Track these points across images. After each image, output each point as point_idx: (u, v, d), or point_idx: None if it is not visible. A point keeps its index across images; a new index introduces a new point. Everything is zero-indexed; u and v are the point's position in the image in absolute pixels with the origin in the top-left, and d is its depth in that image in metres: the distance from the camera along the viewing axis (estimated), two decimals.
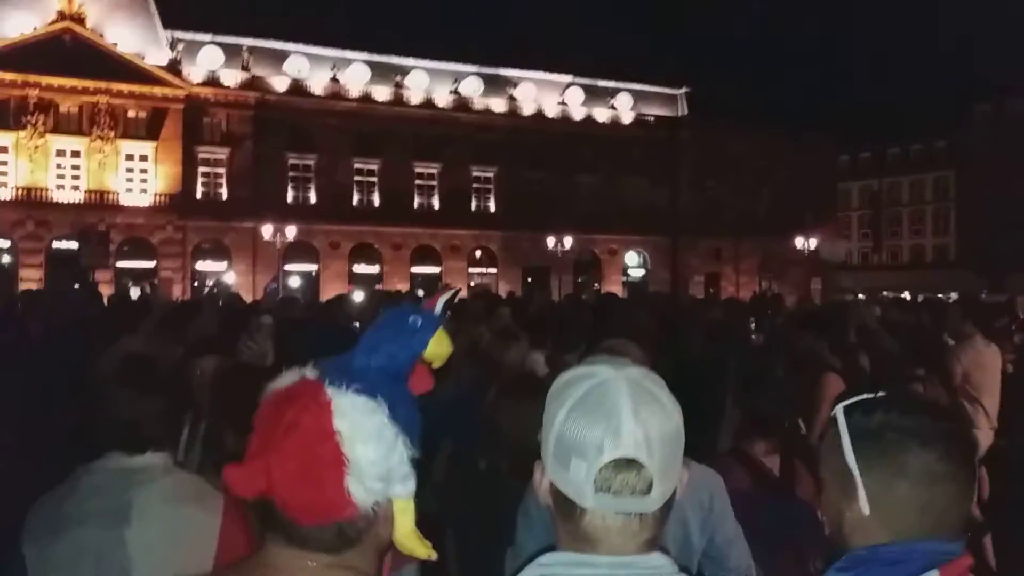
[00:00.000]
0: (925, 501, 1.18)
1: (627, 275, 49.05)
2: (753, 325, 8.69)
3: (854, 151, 67.60)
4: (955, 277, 48.82)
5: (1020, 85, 55.26)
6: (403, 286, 38.92)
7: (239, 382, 2.63)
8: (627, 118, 49.27)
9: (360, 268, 42.57)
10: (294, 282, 39.43)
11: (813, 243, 42.12)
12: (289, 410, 1.10)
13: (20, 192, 36.41)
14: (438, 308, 1.29)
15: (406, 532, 1.19)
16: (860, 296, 33.88)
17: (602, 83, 49.25)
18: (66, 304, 8.40)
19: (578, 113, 48.19)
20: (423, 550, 1.23)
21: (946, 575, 1.13)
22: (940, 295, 43.24)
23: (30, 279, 33.12)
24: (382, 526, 1.16)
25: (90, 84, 36.71)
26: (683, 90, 51.31)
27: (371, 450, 1.10)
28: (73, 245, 30.79)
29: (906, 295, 45.36)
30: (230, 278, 38.74)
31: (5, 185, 36.42)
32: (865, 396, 1.26)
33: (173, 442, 2.12)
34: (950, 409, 1.22)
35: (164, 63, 38.64)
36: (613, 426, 1.00)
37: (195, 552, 1.86)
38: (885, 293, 45.67)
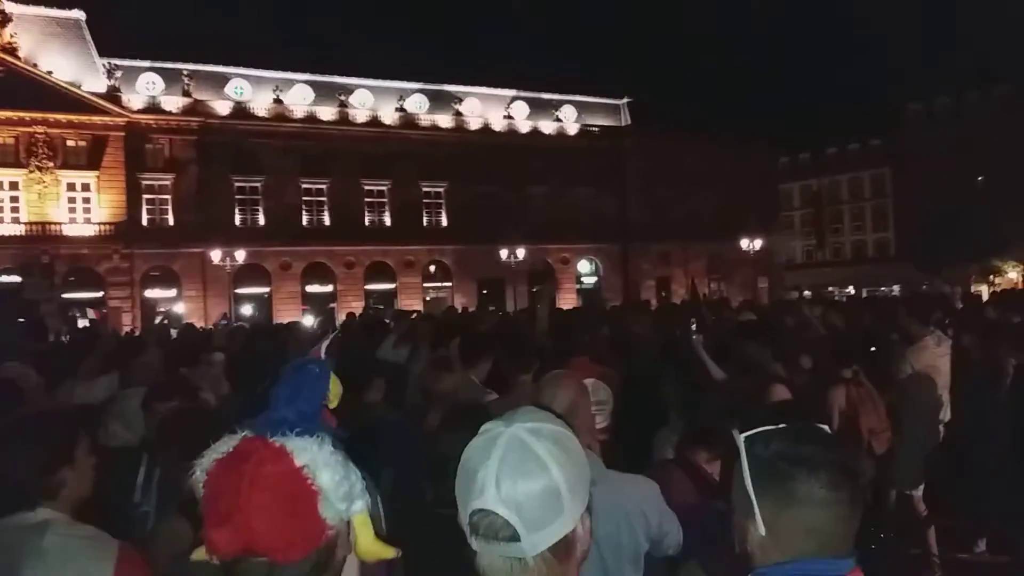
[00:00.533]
0: (812, 524, 1.28)
1: (580, 283, 49.54)
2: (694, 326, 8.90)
3: (794, 152, 69.29)
4: (896, 271, 50.35)
5: (947, 84, 57.37)
6: (358, 304, 38.74)
7: (192, 423, 2.63)
8: (572, 129, 49.87)
9: (313, 288, 42.25)
10: (246, 308, 38.94)
11: (758, 244, 43.07)
12: (245, 466, 1.19)
13: None
14: (323, 353, 1.53)
15: (369, 542, 1.35)
16: (806, 293, 34.78)
17: (546, 96, 49.80)
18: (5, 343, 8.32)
19: (524, 126, 48.62)
20: (389, 552, 1.40)
21: None
22: (883, 288, 44.63)
23: None
24: (341, 547, 1.29)
25: (25, 115, 35.86)
26: (625, 100, 52.15)
27: (333, 475, 1.24)
28: (16, 279, 30.05)
29: (850, 290, 46.71)
30: (179, 307, 38.13)
31: None
32: (766, 428, 1.37)
33: (68, 491, 2.10)
34: (838, 438, 1.40)
35: (102, 91, 37.97)
36: (479, 479, 1.10)
37: None
38: (830, 289, 46.88)
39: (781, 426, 1.37)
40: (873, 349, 6.78)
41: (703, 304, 11.70)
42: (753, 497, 1.32)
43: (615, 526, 2.45)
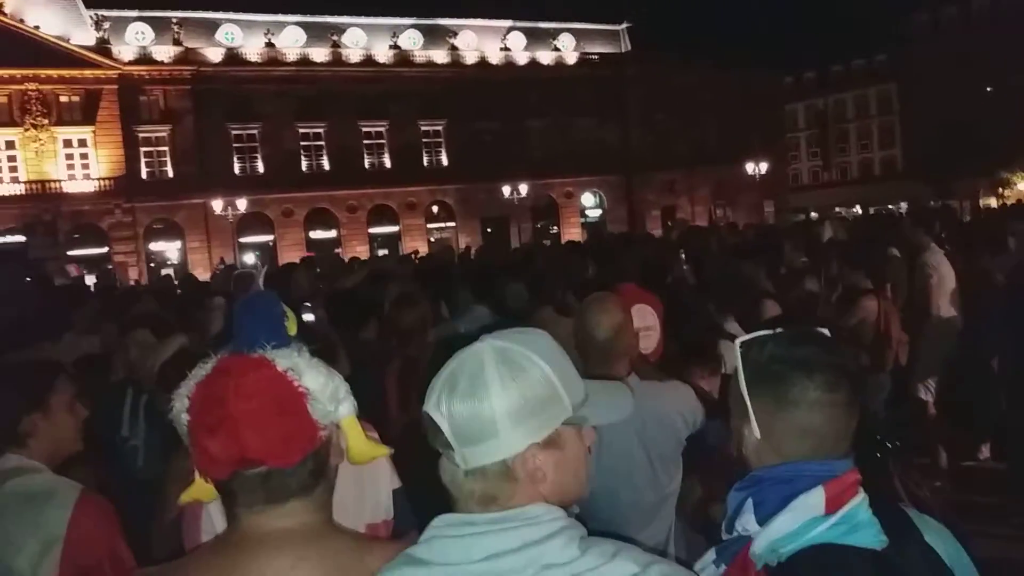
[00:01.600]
0: (807, 426, 1.29)
1: (585, 216, 49.27)
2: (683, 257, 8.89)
3: (798, 72, 67.92)
4: (904, 188, 49.81)
5: None
6: (363, 249, 38.76)
7: (183, 360, 2.64)
8: (571, 59, 48.90)
9: (317, 234, 42.23)
10: (249, 257, 39.05)
11: (764, 167, 42.59)
12: (227, 379, 1.20)
13: None
14: (261, 285, 1.57)
15: (360, 443, 1.37)
16: (813, 215, 34.52)
17: (543, 25, 48.68)
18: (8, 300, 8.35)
19: (522, 58, 47.68)
20: (383, 450, 1.45)
21: (830, 490, 1.24)
22: (890, 206, 44.27)
23: None
24: (334, 454, 1.31)
25: (16, 72, 35.43)
26: (624, 25, 50.93)
27: (317, 376, 1.28)
28: (20, 238, 30.11)
29: (857, 209, 46.34)
30: (174, 255, 38.14)
31: None
32: (763, 333, 1.38)
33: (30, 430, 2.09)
34: (837, 341, 1.39)
35: (92, 43, 37.39)
36: (432, 385, 1.15)
37: (41, 545, 1.88)
38: (837, 209, 46.49)
39: (779, 331, 1.37)
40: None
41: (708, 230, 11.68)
42: (748, 400, 1.33)
43: (659, 431, 2.61)
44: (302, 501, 1.24)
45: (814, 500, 1.24)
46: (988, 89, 52.42)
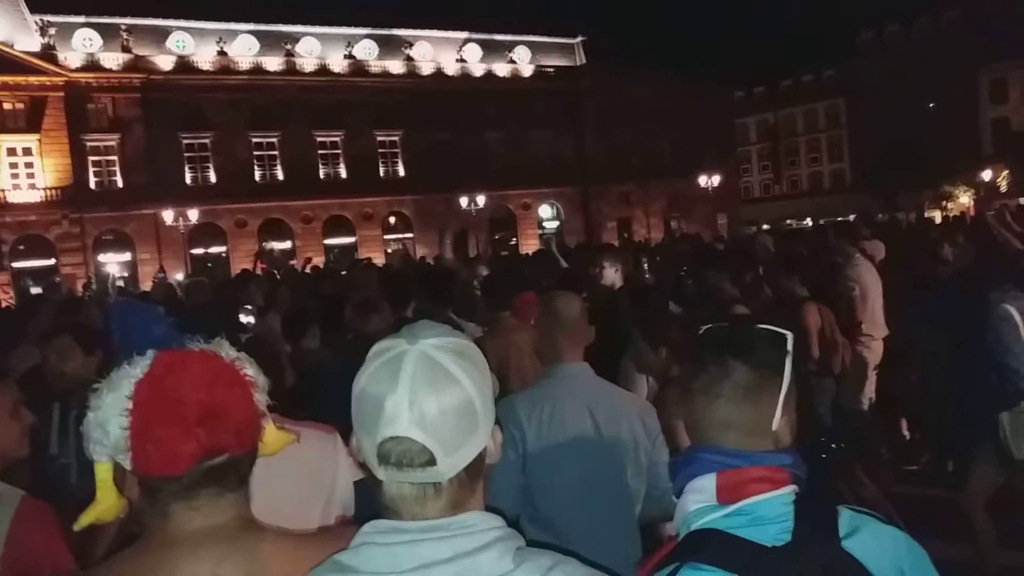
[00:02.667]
0: (702, 414, 1.32)
1: (543, 228, 49.47)
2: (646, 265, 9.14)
3: (749, 87, 69.31)
4: (852, 200, 51.03)
5: (898, 10, 57.47)
6: (319, 260, 38.33)
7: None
8: (527, 71, 49.19)
9: (271, 245, 41.68)
10: (175, 273, 38.28)
11: (716, 180, 43.27)
12: (180, 375, 1.19)
13: None
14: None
15: (273, 432, 1.35)
16: (765, 227, 35.20)
17: (499, 37, 48.93)
18: None
19: (478, 69, 47.80)
20: (290, 437, 1.42)
21: (722, 479, 1.25)
22: (840, 218, 45.29)
23: None
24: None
25: None
26: (579, 39, 51.44)
27: (253, 368, 1.29)
28: None
29: (808, 222, 47.34)
30: (123, 267, 37.31)
31: None
32: (716, 324, 1.40)
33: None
34: (765, 334, 1.35)
35: (37, 49, 36.47)
36: (389, 403, 1.02)
37: None
38: (788, 221, 47.47)
39: (723, 324, 1.40)
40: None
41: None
42: (682, 387, 1.38)
43: (613, 419, 2.59)
44: (236, 494, 1.24)
45: (704, 485, 1.27)
46: (931, 105, 54.08)
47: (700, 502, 1.26)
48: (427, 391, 1.02)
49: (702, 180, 42.62)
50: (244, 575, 1.19)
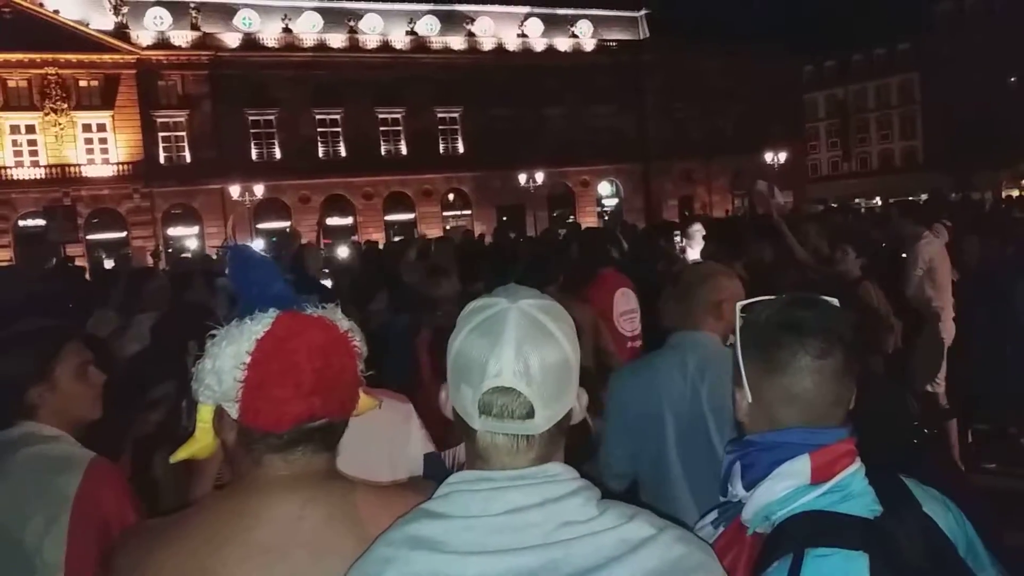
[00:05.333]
0: (795, 392, 1.27)
1: (602, 205, 49.07)
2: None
3: (818, 60, 67.24)
4: (924, 179, 49.28)
5: None
6: (379, 236, 38.79)
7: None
8: (589, 45, 48.60)
9: (333, 220, 42.24)
10: (258, 242, 39.15)
11: (783, 156, 42.21)
12: (299, 342, 1.25)
13: None
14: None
15: (362, 397, 1.40)
16: (833, 205, 34.20)
17: (561, 11, 48.36)
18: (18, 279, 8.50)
19: (539, 44, 47.42)
20: (374, 403, 1.48)
21: (817, 459, 1.23)
22: (911, 197, 43.84)
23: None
24: None
25: (36, 56, 35.63)
26: (643, 12, 50.51)
27: (360, 338, 1.36)
28: (40, 222, 30.36)
29: (877, 200, 45.90)
30: (192, 240, 38.41)
31: None
32: (765, 298, 1.36)
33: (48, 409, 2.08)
34: (836, 308, 1.36)
35: (110, 28, 37.52)
36: (494, 356, 1.05)
37: (47, 515, 1.88)
38: (857, 200, 46.09)
39: (782, 296, 1.36)
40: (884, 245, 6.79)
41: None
42: (741, 364, 1.32)
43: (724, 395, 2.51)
44: (329, 453, 1.31)
45: (799, 468, 1.23)
46: (1012, 79, 51.66)
47: (791, 486, 1.23)
48: (531, 346, 1.06)
49: (768, 157, 41.60)
50: (328, 516, 1.23)
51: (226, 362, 1.25)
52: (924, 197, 39.89)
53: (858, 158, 70.77)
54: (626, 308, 3.19)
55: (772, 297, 1.36)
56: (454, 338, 1.12)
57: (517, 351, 1.05)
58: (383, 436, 2.07)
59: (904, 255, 6.54)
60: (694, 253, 6.71)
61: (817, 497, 1.21)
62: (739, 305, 1.37)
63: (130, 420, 2.87)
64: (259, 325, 1.26)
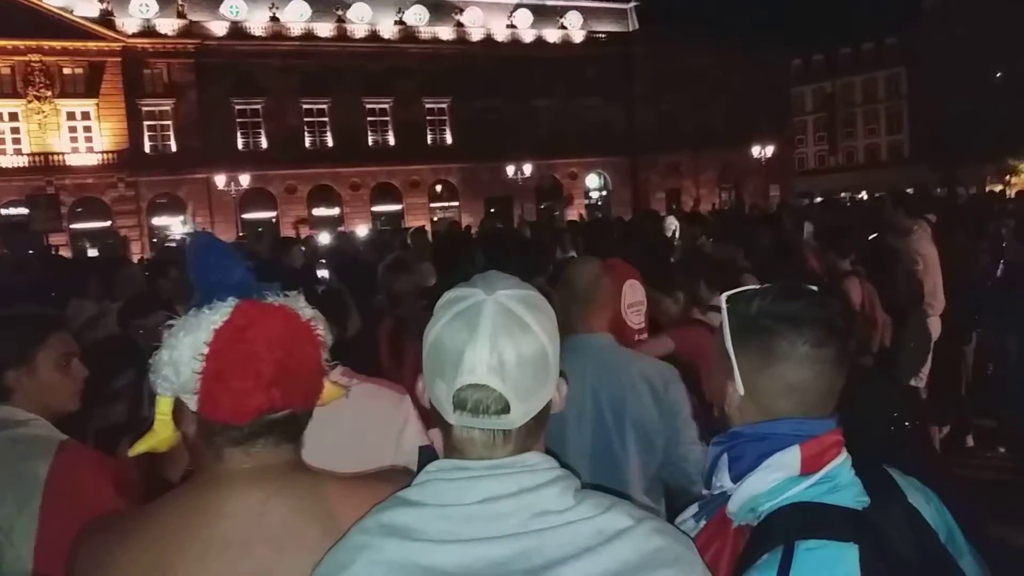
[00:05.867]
0: (791, 382, 1.25)
1: (589, 197, 49.08)
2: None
3: (807, 54, 67.39)
4: (910, 173, 49.54)
5: None
6: (365, 226, 38.64)
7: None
8: (578, 37, 48.50)
9: (320, 211, 42.11)
10: (226, 236, 39.01)
11: (770, 150, 42.33)
12: (257, 332, 1.22)
13: None
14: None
15: (326, 386, 1.38)
16: (818, 199, 34.34)
17: (550, 2, 48.20)
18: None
19: (528, 35, 47.28)
20: (339, 391, 1.47)
21: (807, 450, 1.22)
22: (909, 193, 44.02)
23: None
24: None
25: (19, 43, 35.22)
26: (632, 4, 50.47)
27: (324, 327, 1.33)
28: (23, 211, 30.07)
29: (863, 195, 46.13)
30: (177, 230, 38.18)
31: None
32: (749, 288, 1.35)
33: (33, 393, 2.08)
34: (825, 297, 1.37)
35: (95, 15, 37.13)
36: (469, 351, 1.03)
37: (18, 500, 1.87)
38: (843, 194, 46.26)
39: (765, 285, 1.34)
40: (873, 236, 6.76)
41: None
42: (732, 355, 1.29)
43: (625, 408, 2.50)
44: (291, 445, 1.28)
45: (789, 459, 1.22)
46: (998, 74, 51.98)
47: (780, 478, 1.21)
48: (506, 340, 1.04)
49: (755, 150, 41.73)
50: (291, 510, 1.21)
51: (183, 353, 1.22)
52: (910, 191, 40.18)
53: (845, 152, 71.10)
54: (633, 300, 3.16)
55: (754, 287, 1.34)
56: (429, 329, 1.09)
57: (492, 346, 1.03)
58: (373, 427, 2.04)
59: (896, 247, 6.54)
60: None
61: (806, 488, 1.20)
62: (724, 296, 1.35)
63: (91, 411, 2.84)
64: (218, 315, 1.23)
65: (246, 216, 39.81)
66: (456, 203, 45.36)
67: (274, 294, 1.29)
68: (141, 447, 1.39)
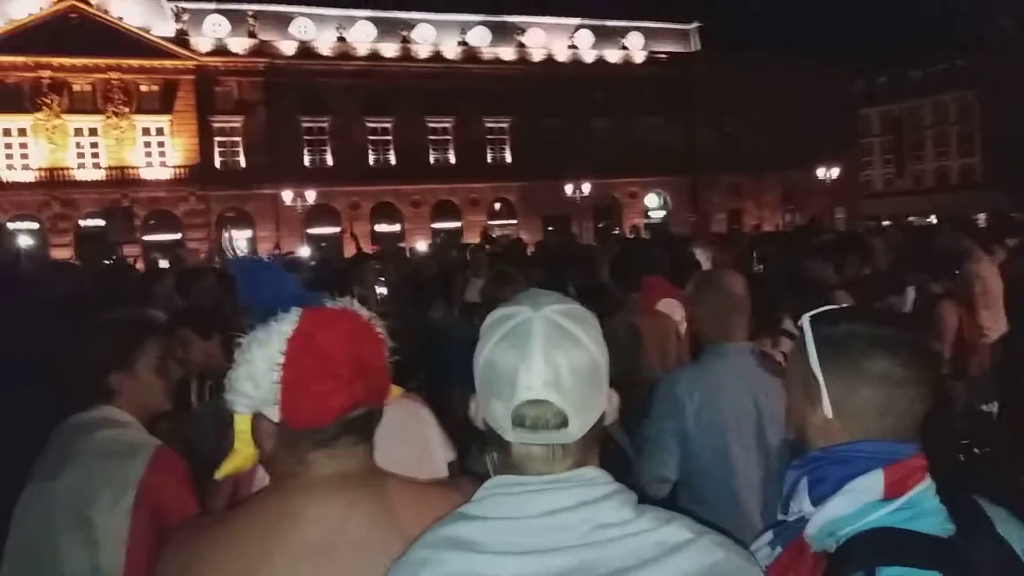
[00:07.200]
0: (885, 405, 1.24)
1: (648, 217, 48.73)
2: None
3: (872, 76, 66.08)
4: (982, 197, 48.03)
5: None
6: (424, 243, 39.03)
7: None
8: (639, 58, 48.46)
9: (382, 227, 42.71)
10: (304, 249, 39.60)
11: (835, 172, 41.52)
12: (329, 334, 1.26)
13: (43, 173, 36.82)
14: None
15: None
16: (885, 223, 33.52)
17: (611, 23, 48.34)
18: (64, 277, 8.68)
19: (589, 56, 47.44)
20: (397, 389, 1.48)
21: (891, 474, 1.19)
22: (971, 216, 42.68)
23: (61, 259, 33.66)
24: None
25: (100, 61, 36.77)
26: (694, 25, 50.26)
27: (382, 326, 1.37)
28: (100, 222, 31.20)
29: (932, 219, 44.87)
30: (244, 244, 39.03)
31: (28, 167, 36.85)
32: (830, 308, 1.34)
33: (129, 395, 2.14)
34: (911, 320, 1.34)
35: (171, 35, 38.54)
36: (524, 368, 1.05)
37: (113, 496, 1.94)
38: (911, 218, 45.07)
39: (847, 306, 1.36)
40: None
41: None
42: (820, 377, 1.27)
43: (773, 397, 2.48)
44: (367, 444, 1.31)
45: (872, 483, 1.19)
46: None
47: (861, 502, 1.18)
48: (559, 355, 1.06)
49: (820, 172, 40.96)
50: (370, 518, 1.24)
51: (260, 366, 1.25)
52: (982, 216, 38.94)
53: (913, 175, 69.31)
54: (671, 319, 3.17)
55: (837, 308, 1.33)
56: (480, 350, 1.11)
57: (546, 361, 1.05)
58: (403, 440, 2.00)
59: (956, 272, 6.35)
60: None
61: (888, 514, 1.17)
62: (807, 316, 1.33)
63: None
64: (285, 324, 1.26)
65: (311, 231, 40.56)
66: (515, 221, 45.51)
67: (329, 300, 1.34)
68: (227, 468, 1.41)
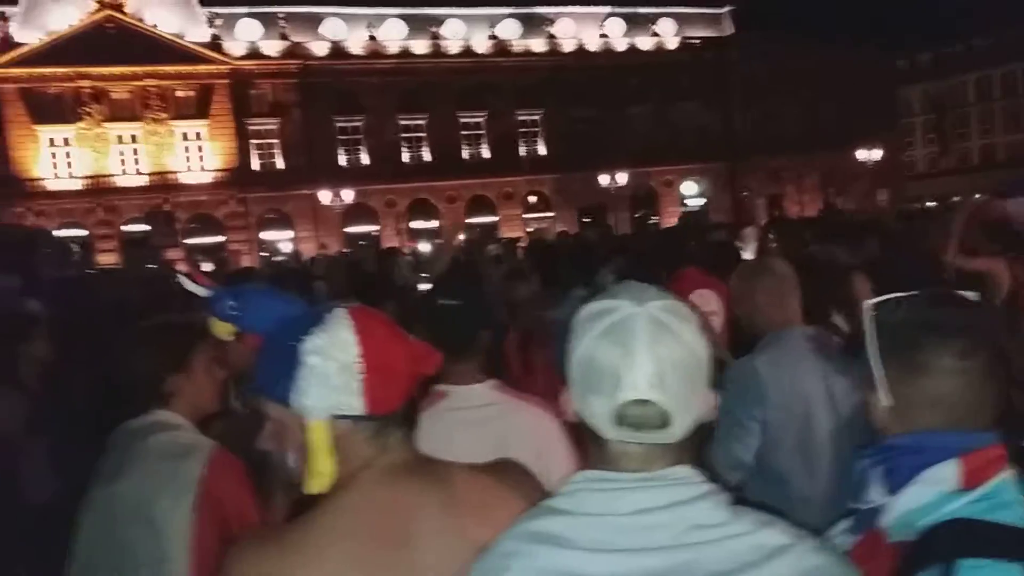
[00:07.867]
0: (938, 395, 1.21)
1: (685, 205, 48.21)
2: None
3: (912, 54, 64.58)
4: None
5: None
6: (462, 238, 39.09)
7: None
8: (672, 43, 47.91)
9: (418, 224, 42.88)
10: (333, 247, 39.98)
11: (877, 154, 40.65)
12: (381, 326, 1.31)
13: (88, 181, 37.68)
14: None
15: None
16: (929, 204, 32.74)
17: (642, 10, 47.84)
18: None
19: (620, 44, 47.03)
20: None
21: (968, 464, 1.16)
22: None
23: (107, 265, 34.37)
24: None
25: (138, 69, 37.39)
26: (727, 8, 49.53)
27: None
28: (143, 227, 31.77)
29: (978, 198, 43.65)
30: (285, 244, 39.57)
31: (72, 176, 37.68)
32: (897, 294, 1.30)
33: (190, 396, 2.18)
34: (977, 304, 1.26)
35: (206, 40, 39.05)
36: (627, 366, 1.03)
37: (174, 497, 1.97)
38: (956, 199, 43.93)
39: (912, 292, 1.30)
40: None
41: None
42: (878, 366, 1.27)
43: (853, 397, 2.49)
44: (412, 431, 1.34)
45: (947, 473, 1.17)
46: None
47: (937, 492, 1.16)
48: (664, 354, 1.03)
49: (861, 154, 40.13)
50: (441, 504, 1.24)
51: (331, 365, 1.23)
52: None
53: (957, 153, 67.64)
54: (707, 310, 3.15)
55: (903, 294, 1.29)
56: (576, 344, 1.08)
57: (651, 360, 1.03)
58: (522, 444, 1.97)
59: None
60: (749, 255, 6.45)
61: (966, 504, 1.15)
62: (868, 303, 1.30)
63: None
64: (334, 325, 1.26)
65: (349, 230, 40.86)
66: (550, 214, 45.34)
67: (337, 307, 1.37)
68: (316, 485, 1.29)
